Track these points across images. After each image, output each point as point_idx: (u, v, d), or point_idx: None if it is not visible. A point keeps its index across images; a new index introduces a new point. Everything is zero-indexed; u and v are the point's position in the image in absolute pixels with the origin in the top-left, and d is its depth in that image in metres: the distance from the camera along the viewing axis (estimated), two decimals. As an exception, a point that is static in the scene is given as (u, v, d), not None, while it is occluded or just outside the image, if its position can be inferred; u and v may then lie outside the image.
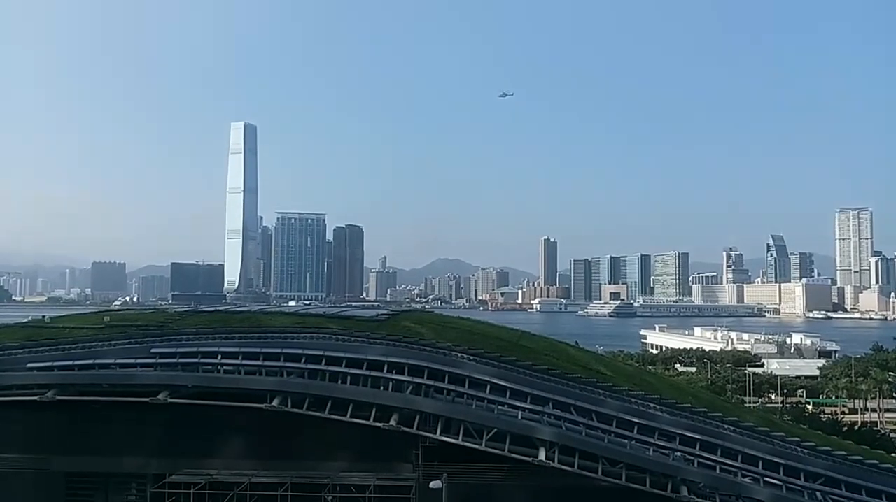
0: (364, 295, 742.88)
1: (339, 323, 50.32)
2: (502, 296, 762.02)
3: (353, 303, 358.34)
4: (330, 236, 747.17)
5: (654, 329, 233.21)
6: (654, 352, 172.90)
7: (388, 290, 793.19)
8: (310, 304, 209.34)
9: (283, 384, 40.55)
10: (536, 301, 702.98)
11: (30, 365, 42.81)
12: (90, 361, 42.81)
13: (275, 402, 39.44)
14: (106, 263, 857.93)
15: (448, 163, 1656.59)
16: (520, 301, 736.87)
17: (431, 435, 38.22)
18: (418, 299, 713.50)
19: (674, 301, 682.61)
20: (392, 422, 38.11)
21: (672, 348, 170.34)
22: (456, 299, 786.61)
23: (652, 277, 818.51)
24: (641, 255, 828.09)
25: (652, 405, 40.19)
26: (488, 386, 39.59)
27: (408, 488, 38.49)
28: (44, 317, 69.74)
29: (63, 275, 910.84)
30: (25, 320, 68.28)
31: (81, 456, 41.72)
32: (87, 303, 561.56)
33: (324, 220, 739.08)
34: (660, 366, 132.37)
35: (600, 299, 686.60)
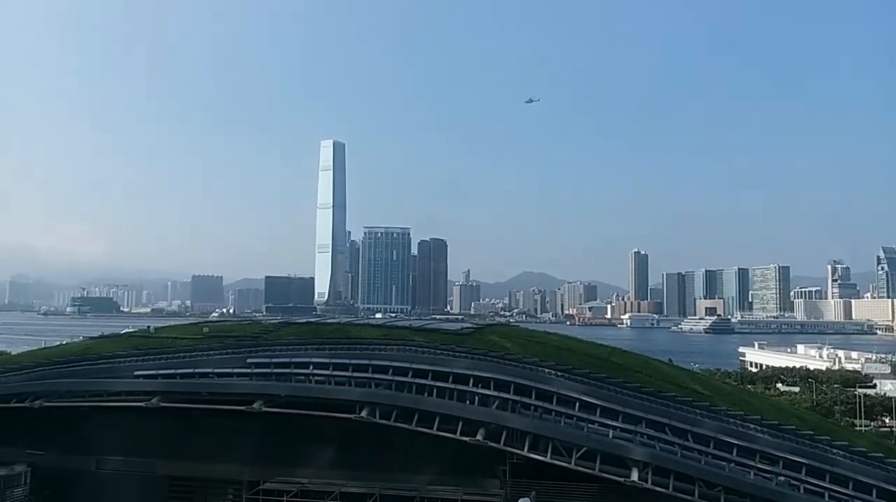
0: (448, 308, 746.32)
1: (425, 335, 50.51)
2: (590, 310, 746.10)
3: (438, 316, 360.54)
4: (415, 250, 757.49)
5: (754, 346, 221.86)
6: (754, 370, 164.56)
7: (472, 304, 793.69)
8: (396, 317, 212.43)
9: (371, 395, 41.03)
10: (626, 316, 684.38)
11: (136, 372, 45.27)
12: (190, 370, 44.92)
13: (363, 413, 39.94)
14: (204, 276, 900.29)
15: (531, 175, 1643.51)
16: (609, 316, 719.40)
17: (519, 451, 37.61)
18: (502, 313, 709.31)
19: (774, 317, 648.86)
20: (479, 437, 37.79)
21: (773, 366, 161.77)
22: (541, 313, 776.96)
23: (750, 292, 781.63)
24: (739, 269, 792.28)
25: (752, 426, 38.12)
26: (577, 404, 38.66)
27: (495, 504, 38.02)
28: (148, 327, 73.79)
29: (165, 288, 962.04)
30: (132, 330, 72.36)
31: (182, 461, 43.65)
32: (187, 314, 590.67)
33: (409, 234, 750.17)
34: (760, 385, 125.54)
35: (695, 314, 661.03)
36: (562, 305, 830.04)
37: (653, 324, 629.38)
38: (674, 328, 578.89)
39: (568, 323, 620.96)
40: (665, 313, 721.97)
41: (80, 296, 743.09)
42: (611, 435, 37.23)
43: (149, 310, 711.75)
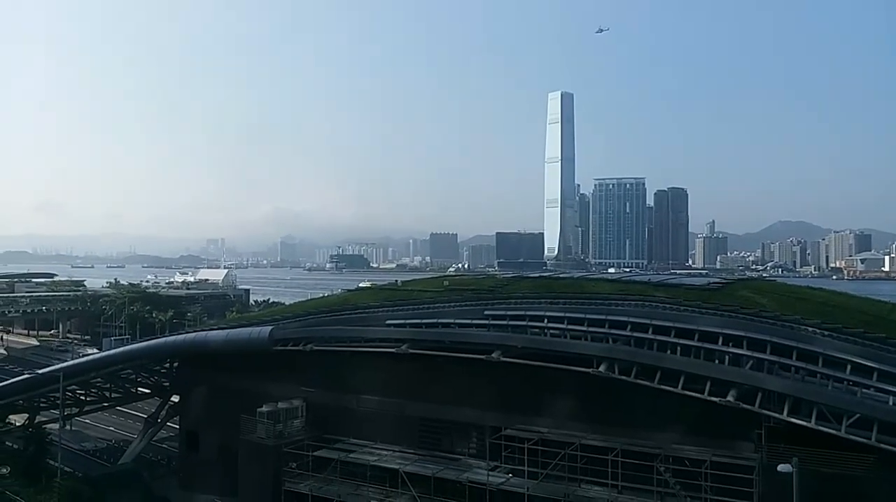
0: (689, 262, 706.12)
1: (666, 291, 48.00)
2: (862, 262, 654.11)
3: (678, 271, 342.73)
4: (650, 201, 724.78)
5: None
6: None
7: (718, 257, 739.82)
8: (630, 272, 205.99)
9: (609, 350, 40.10)
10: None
11: (388, 321, 49.05)
12: (434, 320, 47.53)
13: (601, 368, 39.25)
14: (441, 234, 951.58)
15: (783, 109, 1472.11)
16: (886, 268, 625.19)
17: (777, 414, 34.40)
18: (754, 267, 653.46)
19: None
20: (729, 398, 35.21)
21: None
22: (801, 267, 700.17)
23: None
24: None
25: None
26: (848, 366, 34.13)
27: (749, 468, 35.29)
28: (396, 281, 79.97)
29: (407, 246, 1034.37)
30: (382, 284, 78.76)
31: (429, 404, 46.65)
32: (427, 269, 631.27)
33: (643, 185, 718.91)
34: None
35: None
36: (826, 257, 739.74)
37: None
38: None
39: (834, 277, 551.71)
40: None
41: (336, 253, 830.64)
42: (892, 403, 32.42)
43: (394, 265, 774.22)
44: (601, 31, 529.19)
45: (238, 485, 48.46)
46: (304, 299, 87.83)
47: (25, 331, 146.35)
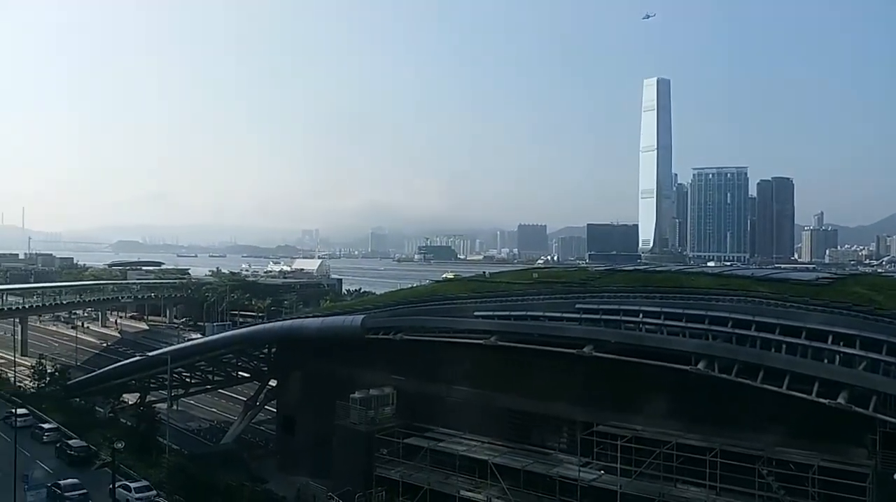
0: (795, 256, 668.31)
1: (770, 286, 45.69)
2: None
3: (783, 265, 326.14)
4: (753, 191, 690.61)
5: None
6: None
7: (827, 251, 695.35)
8: (731, 265, 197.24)
9: (708, 347, 38.52)
10: None
11: (476, 313, 48.99)
12: (523, 313, 47.13)
13: (700, 365, 37.71)
14: (529, 226, 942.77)
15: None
16: None
17: (894, 420, 31.99)
18: (868, 262, 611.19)
19: None
20: (840, 400, 33.01)
21: None
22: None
23: None
24: None
25: None
26: (982, 371, 31.30)
27: (862, 476, 33.03)
28: (484, 272, 79.79)
29: (494, 237, 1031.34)
30: (467, 275, 78.79)
31: (519, 397, 46.31)
32: (515, 261, 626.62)
33: (745, 174, 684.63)
34: None
35: None
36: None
37: None
38: None
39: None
40: None
41: (424, 244, 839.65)
42: None
43: (481, 257, 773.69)
44: (648, 17, 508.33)
45: (331, 469, 49.84)
46: (393, 289, 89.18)
47: (136, 316, 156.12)
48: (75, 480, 44.17)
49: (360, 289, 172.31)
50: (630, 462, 39.47)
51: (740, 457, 36.06)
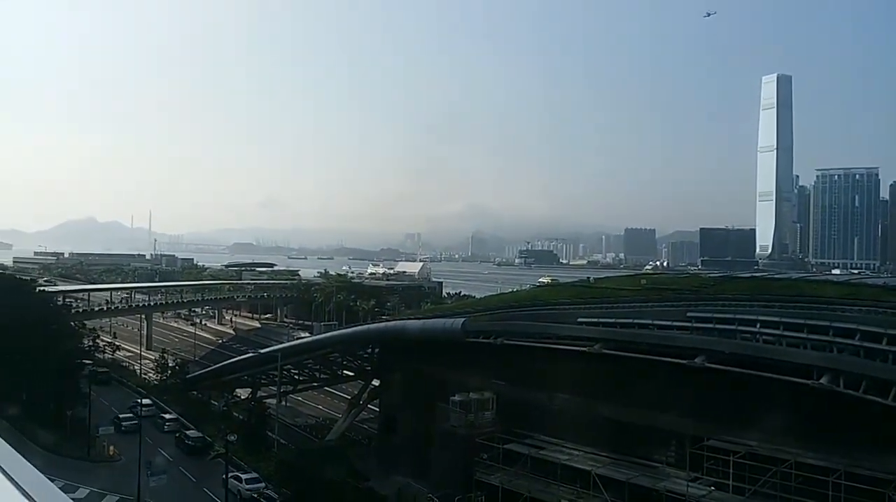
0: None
1: (905, 295, 41.75)
2: None
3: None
4: (885, 193, 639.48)
5: None
6: None
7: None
8: (859, 273, 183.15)
9: (832, 361, 35.77)
10: None
11: (579, 319, 47.79)
12: (630, 320, 45.53)
13: (822, 380, 35.04)
14: (637, 229, 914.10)
15: None
16: None
17: None
18: None
19: None
20: None
21: None
22: None
23: None
24: None
25: None
26: None
27: None
28: (588, 278, 77.87)
29: (599, 241, 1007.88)
30: (566, 280, 77.21)
31: (624, 407, 44.70)
32: (621, 266, 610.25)
33: (876, 175, 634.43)
34: None
35: None
36: None
37: None
38: None
39: None
40: None
41: (525, 248, 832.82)
42: None
43: (585, 261, 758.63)
44: (709, 14, 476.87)
45: (430, 470, 50.07)
46: (493, 293, 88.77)
47: (249, 314, 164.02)
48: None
49: (460, 292, 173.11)
50: (743, 479, 37.17)
51: (867, 480, 33.15)
